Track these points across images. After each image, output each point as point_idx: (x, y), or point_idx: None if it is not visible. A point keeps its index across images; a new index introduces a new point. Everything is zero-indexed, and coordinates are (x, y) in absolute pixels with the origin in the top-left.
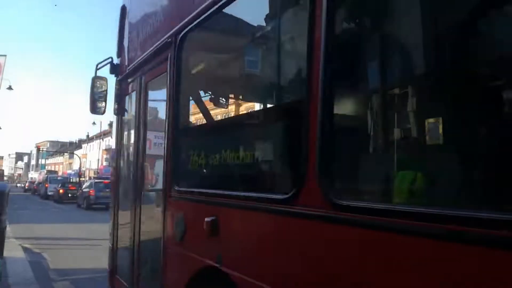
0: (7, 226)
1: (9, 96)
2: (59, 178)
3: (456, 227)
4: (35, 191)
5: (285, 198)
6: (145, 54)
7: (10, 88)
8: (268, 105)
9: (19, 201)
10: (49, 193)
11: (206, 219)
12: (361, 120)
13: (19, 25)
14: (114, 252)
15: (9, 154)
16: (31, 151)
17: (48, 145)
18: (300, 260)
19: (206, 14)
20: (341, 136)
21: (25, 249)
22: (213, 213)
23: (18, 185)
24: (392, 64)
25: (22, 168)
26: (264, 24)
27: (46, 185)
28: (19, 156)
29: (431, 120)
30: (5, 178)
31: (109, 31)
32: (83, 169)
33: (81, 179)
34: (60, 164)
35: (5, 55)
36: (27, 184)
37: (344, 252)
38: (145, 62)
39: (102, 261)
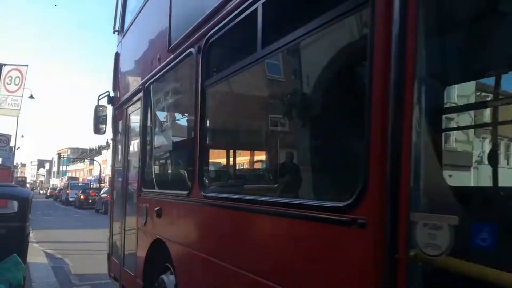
0: (30, 232)
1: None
2: (80, 184)
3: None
4: (57, 197)
5: (186, 193)
6: (128, 92)
7: (31, 97)
8: (175, 137)
9: (41, 207)
10: (70, 199)
11: (155, 209)
12: (221, 147)
13: (42, 33)
14: (110, 241)
15: (31, 162)
16: (52, 158)
17: (69, 152)
18: (194, 228)
19: (162, 72)
20: (209, 157)
21: (48, 255)
22: (158, 205)
23: (41, 191)
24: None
25: (44, 175)
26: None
27: (67, 192)
28: (40, 163)
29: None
30: (28, 185)
31: None
32: (103, 175)
33: (101, 185)
34: (80, 171)
35: (26, 65)
36: (49, 191)
37: (210, 221)
38: (129, 98)
39: None
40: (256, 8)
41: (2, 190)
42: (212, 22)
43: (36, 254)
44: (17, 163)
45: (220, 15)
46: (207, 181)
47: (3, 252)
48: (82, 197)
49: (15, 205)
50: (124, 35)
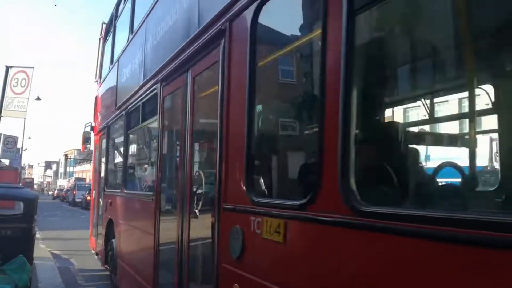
0: (37, 232)
1: (37, 106)
2: (86, 185)
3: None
4: (64, 198)
5: (119, 191)
6: (101, 126)
7: (38, 98)
8: (120, 157)
9: (48, 208)
10: (77, 200)
11: (109, 201)
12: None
13: (49, 36)
14: (93, 225)
15: (38, 163)
16: (59, 159)
17: (75, 153)
18: (120, 210)
19: (115, 119)
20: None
21: (54, 255)
22: (111, 199)
23: (50, 192)
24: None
25: (51, 176)
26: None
27: (74, 192)
28: (47, 165)
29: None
30: (35, 187)
31: None
32: None
33: None
34: (87, 172)
35: (32, 67)
36: (55, 192)
37: (127, 204)
38: (101, 130)
39: None
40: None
41: (8, 191)
42: (131, 101)
43: (42, 255)
44: (24, 164)
45: (134, 97)
46: (127, 183)
47: (9, 253)
48: (88, 198)
49: (21, 206)
50: (100, 85)
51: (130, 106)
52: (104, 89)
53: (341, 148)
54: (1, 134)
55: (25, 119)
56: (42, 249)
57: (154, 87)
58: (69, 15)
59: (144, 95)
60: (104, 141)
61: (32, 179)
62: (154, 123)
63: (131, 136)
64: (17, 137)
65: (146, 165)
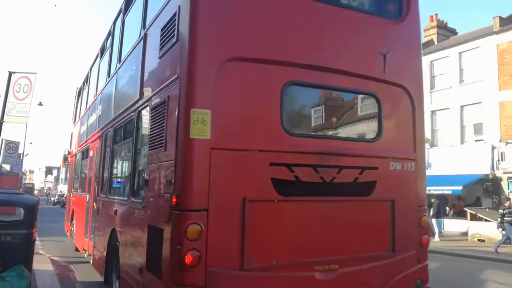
0: (37, 239)
1: (39, 112)
2: None
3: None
4: (64, 204)
5: (92, 196)
6: (73, 152)
7: (40, 104)
8: (85, 173)
9: (48, 214)
10: None
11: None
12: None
13: (51, 42)
14: (68, 215)
15: (39, 168)
16: (60, 165)
17: None
18: (102, 210)
19: (82, 150)
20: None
21: (53, 262)
22: (71, 203)
23: (53, 198)
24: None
25: (51, 182)
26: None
27: None
28: (48, 170)
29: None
30: (36, 192)
31: None
32: None
33: None
34: None
35: (35, 73)
36: (56, 198)
37: (108, 208)
38: (74, 155)
39: None
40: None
41: (9, 197)
42: (87, 142)
43: (41, 262)
44: (25, 169)
45: (88, 140)
46: (100, 191)
47: (9, 259)
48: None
49: (21, 212)
50: (74, 125)
51: (84, 146)
52: (76, 130)
53: (137, 173)
54: (2, 139)
55: (26, 124)
56: (41, 255)
57: (99, 134)
58: (74, 24)
59: (93, 138)
60: (75, 161)
61: (33, 184)
62: (97, 157)
63: (85, 161)
64: (19, 142)
65: (85, 179)
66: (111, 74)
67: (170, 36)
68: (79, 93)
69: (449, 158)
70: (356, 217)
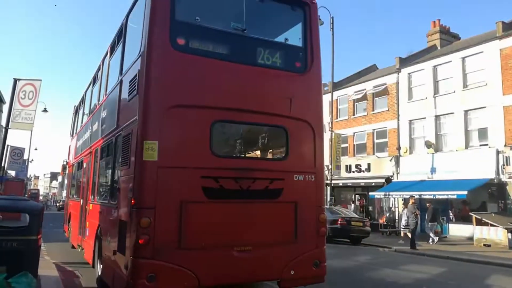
0: (42, 245)
1: (44, 118)
2: None
3: None
4: None
5: (83, 200)
6: (70, 163)
7: (45, 110)
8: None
9: (53, 219)
10: None
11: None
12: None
13: (53, 48)
14: (66, 218)
15: (44, 174)
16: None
17: None
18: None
19: (77, 163)
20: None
21: (59, 267)
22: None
23: (58, 204)
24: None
25: (56, 188)
26: None
27: None
28: (53, 176)
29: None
30: (41, 198)
31: None
32: None
33: None
34: None
35: (40, 79)
36: (60, 203)
37: (94, 210)
38: (72, 165)
39: None
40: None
41: (14, 203)
42: (81, 156)
43: (47, 267)
44: (30, 175)
45: (82, 154)
46: (91, 196)
47: (15, 265)
48: None
49: (27, 218)
50: (72, 139)
51: (79, 158)
52: (73, 143)
53: (114, 182)
54: (8, 145)
55: (31, 131)
56: (47, 261)
57: (90, 150)
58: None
59: (86, 153)
60: (72, 171)
61: (38, 190)
62: (88, 168)
63: (80, 172)
64: (24, 148)
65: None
66: (99, 101)
67: (133, 89)
68: (76, 111)
69: (453, 163)
70: (267, 214)
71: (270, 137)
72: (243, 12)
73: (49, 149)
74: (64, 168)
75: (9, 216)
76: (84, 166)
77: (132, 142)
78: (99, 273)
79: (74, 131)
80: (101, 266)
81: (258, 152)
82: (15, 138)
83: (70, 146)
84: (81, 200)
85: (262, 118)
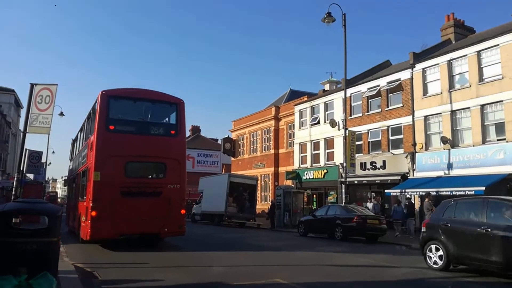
0: (61, 246)
1: (61, 121)
2: None
3: None
4: None
5: (80, 199)
6: (70, 176)
7: (61, 114)
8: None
9: None
10: None
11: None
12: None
13: (71, 52)
14: (67, 213)
15: (62, 177)
16: None
17: None
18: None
19: (72, 175)
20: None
21: (78, 268)
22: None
23: None
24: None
25: None
26: None
27: None
28: None
29: None
30: (59, 200)
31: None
32: None
33: None
34: None
35: (56, 84)
36: None
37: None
38: (69, 180)
39: (151, 279)
40: None
41: (33, 206)
42: (75, 172)
43: (66, 268)
44: (48, 178)
45: (74, 171)
46: (78, 197)
47: (35, 266)
48: None
49: (46, 220)
50: (70, 161)
51: (77, 172)
52: (71, 165)
53: (84, 190)
54: (26, 149)
55: (49, 134)
56: (66, 262)
57: (76, 172)
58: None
59: (75, 174)
60: (71, 183)
61: (56, 193)
62: (77, 182)
63: (74, 184)
64: (42, 152)
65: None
66: (80, 147)
67: (91, 147)
68: (73, 143)
69: (470, 158)
70: (154, 203)
71: (157, 167)
72: (143, 110)
73: (67, 152)
74: (65, 182)
75: (29, 219)
76: (75, 182)
77: (90, 170)
78: (80, 234)
79: (72, 156)
80: (80, 228)
81: (149, 174)
82: (32, 142)
83: (69, 166)
84: (74, 201)
85: (153, 159)
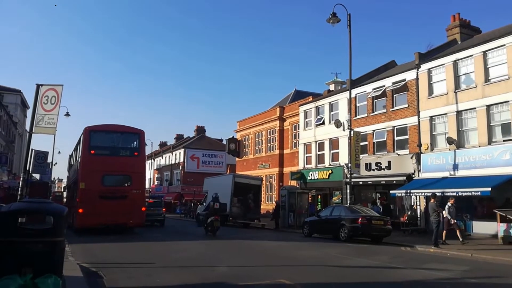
0: (66, 246)
1: (66, 122)
2: None
3: None
4: None
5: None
6: (68, 181)
7: (67, 114)
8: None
9: None
10: None
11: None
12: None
13: (78, 52)
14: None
15: (67, 176)
16: None
17: None
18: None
19: (70, 182)
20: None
21: (83, 268)
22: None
23: None
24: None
25: None
26: None
27: None
28: None
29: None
30: (64, 200)
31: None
32: None
33: None
34: None
35: (61, 85)
36: None
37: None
38: (68, 186)
39: (156, 279)
40: None
41: (39, 206)
42: (72, 179)
43: (71, 268)
44: (54, 178)
45: (72, 178)
46: (75, 197)
47: (40, 266)
48: None
49: (51, 220)
50: (68, 171)
51: (72, 180)
52: (68, 174)
53: (76, 193)
54: (32, 149)
55: (54, 135)
56: (71, 261)
57: (71, 181)
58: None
59: (70, 182)
60: (69, 189)
61: (62, 193)
62: (72, 188)
63: (71, 189)
64: (47, 152)
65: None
66: (74, 162)
67: (79, 165)
68: (70, 157)
69: (476, 159)
70: (123, 204)
71: (125, 178)
72: (115, 139)
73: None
74: (65, 188)
75: (34, 219)
76: (71, 187)
77: (79, 181)
78: (73, 223)
79: (69, 168)
80: (73, 220)
81: (120, 183)
82: (38, 142)
83: (67, 175)
84: (70, 200)
85: (122, 172)
